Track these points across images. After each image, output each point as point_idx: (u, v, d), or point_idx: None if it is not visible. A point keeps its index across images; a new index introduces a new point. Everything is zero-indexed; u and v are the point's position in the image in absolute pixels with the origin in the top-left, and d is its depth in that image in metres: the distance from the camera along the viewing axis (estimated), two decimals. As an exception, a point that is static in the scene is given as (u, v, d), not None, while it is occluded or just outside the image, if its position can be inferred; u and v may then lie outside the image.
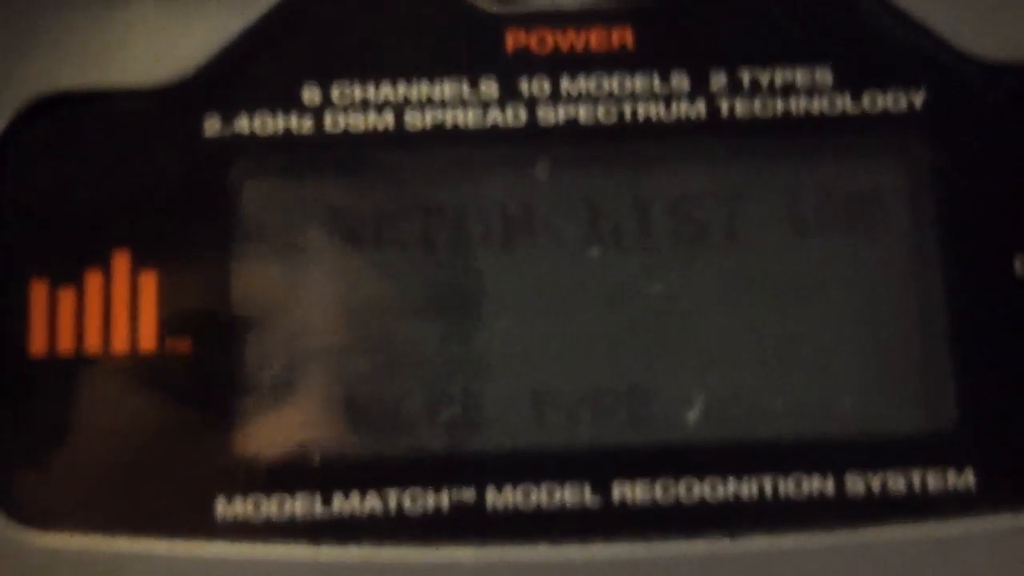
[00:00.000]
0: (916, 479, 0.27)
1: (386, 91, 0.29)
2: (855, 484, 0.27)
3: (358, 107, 0.29)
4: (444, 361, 0.28)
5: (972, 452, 0.27)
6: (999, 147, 0.29)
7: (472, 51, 0.29)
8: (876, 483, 0.27)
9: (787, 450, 0.28)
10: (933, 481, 0.27)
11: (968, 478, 0.27)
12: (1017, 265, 0.28)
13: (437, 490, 0.27)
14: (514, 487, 0.27)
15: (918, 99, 0.29)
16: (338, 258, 0.29)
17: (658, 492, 0.27)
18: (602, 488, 0.27)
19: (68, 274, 0.28)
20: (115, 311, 0.28)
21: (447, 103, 0.29)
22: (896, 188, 0.29)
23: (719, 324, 0.28)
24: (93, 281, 0.28)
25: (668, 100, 0.29)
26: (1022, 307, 0.28)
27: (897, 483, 0.27)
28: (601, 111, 0.29)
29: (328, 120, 0.29)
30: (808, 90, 0.29)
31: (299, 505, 0.27)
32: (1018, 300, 0.28)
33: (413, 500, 0.27)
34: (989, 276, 0.28)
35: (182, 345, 0.28)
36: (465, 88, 0.29)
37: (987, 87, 0.29)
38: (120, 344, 0.28)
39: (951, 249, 0.28)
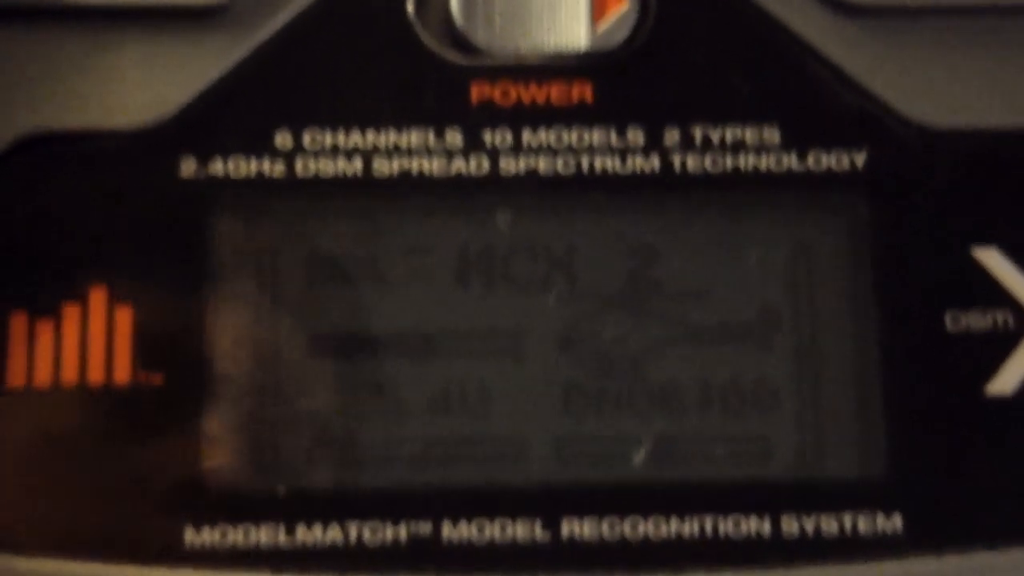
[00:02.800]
0: (848, 522, 0.29)
1: (355, 138, 0.30)
2: (790, 525, 0.29)
3: (328, 153, 0.30)
4: (405, 398, 0.30)
5: (901, 498, 0.29)
6: (934, 209, 0.30)
7: (438, 102, 0.31)
8: (810, 525, 0.29)
9: (727, 491, 0.29)
10: (864, 524, 0.29)
11: (896, 522, 0.29)
12: (947, 320, 0.30)
13: (396, 523, 0.29)
14: (468, 522, 0.29)
15: (860, 160, 0.30)
16: (307, 296, 0.30)
17: (605, 529, 0.29)
18: (552, 524, 0.29)
19: (46, 308, 0.29)
20: (91, 344, 0.29)
21: (413, 151, 0.30)
22: (836, 243, 0.30)
23: (667, 369, 0.30)
24: (70, 315, 0.29)
25: (624, 154, 0.30)
26: (951, 361, 0.30)
27: (830, 525, 0.29)
28: (560, 163, 0.30)
29: (299, 165, 0.30)
30: (757, 148, 0.30)
31: (264, 535, 0.29)
32: (947, 354, 0.30)
33: (373, 532, 0.29)
34: (921, 330, 0.30)
35: (155, 378, 0.29)
36: (431, 137, 0.30)
37: (926, 152, 0.30)
38: (95, 376, 0.29)
39: (886, 303, 0.30)
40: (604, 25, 0.31)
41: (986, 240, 0.30)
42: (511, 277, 0.30)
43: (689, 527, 0.29)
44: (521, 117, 0.30)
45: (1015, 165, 0.30)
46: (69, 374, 0.29)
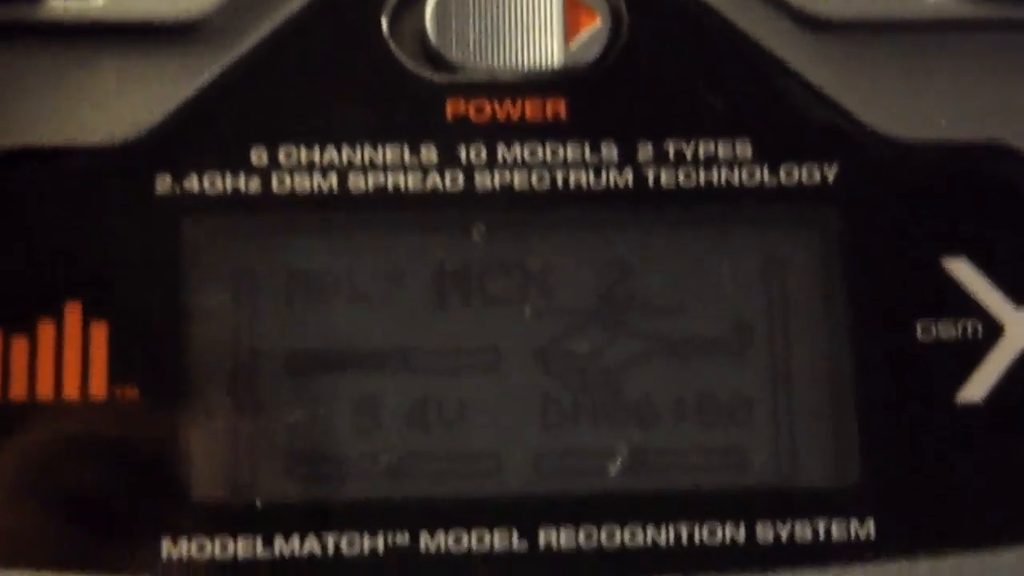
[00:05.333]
0: (821, 528, 0.29)
1: (331, 154, 0.31)
2: (765, 532, 0.29)
3: (304, 169, 0.30)
4: (382, 412, 0.30)
5: (873, 504, 0.29)
6: (904, 221, 0.31)
7: (413, 118, 0.31)
8: (784, 531, 0.29)
9: (702, 500, 0.29)
10: (837, 530, 0.29)
11: (869, 528, 0.29)
12: (918, 330, 0.30)
13: (373, 534, 0.29)
14: (446, 532, 0.29)
15: (831, 173, 0.31)
16: (283, 312, 0.30)
17: (582, 538, 0.29)
18: (530, 534, 0.29)
19: (21, 324, 0.29)
20: (67, 360, 0.29)
21: (389, 167, 0.31)
22: (808, 255, 0.31)
23: (642, 382, 0.30)
24: (45, 331, 0.29)
25: (598, 169, 0.31)
26: (922, 370, 0.30)
27: (804, 531, 0.29)
28: (535, 178, 0.31)
29: (275, 181, 0.30)
30: (729, 162, 0.31)
31: (241, 547, 0.29)
32: (918, 363, 0.30)
33: (350, 543, 0.29)
34: (892, 340, 0.30)
35: (131, 393, 0.29)
36: (406, 153, 0.31)
37: (895, 164, 0.31)
38: (71, 391, 0.29)
39: (858, 314, 0.30)
40: (577, 42, 0.31)
41: (956, 251, 0.30)
42: (487, 292, 0.31)
43: (665, 535, 0.29)
44: (496, 133, 0.31)
45: (983, 176, 0.31)
46: (44, 389, 0.29)
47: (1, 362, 0.29)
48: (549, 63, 0.31)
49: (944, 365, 0.30)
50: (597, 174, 0.31)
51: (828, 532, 0.29)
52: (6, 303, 0.29)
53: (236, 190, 0.30)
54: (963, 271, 0.30)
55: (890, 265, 0.30)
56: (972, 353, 0.30)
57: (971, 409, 0.30)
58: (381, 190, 0.30)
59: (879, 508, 0.29)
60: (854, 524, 0.29)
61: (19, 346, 0.29)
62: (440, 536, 0.29)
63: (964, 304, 0.30)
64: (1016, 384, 0.30)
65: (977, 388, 0.30)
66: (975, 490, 0.29)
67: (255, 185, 0.30)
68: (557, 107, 0.31)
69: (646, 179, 0.31)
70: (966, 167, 0.31)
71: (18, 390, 0.29)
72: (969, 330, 0.30)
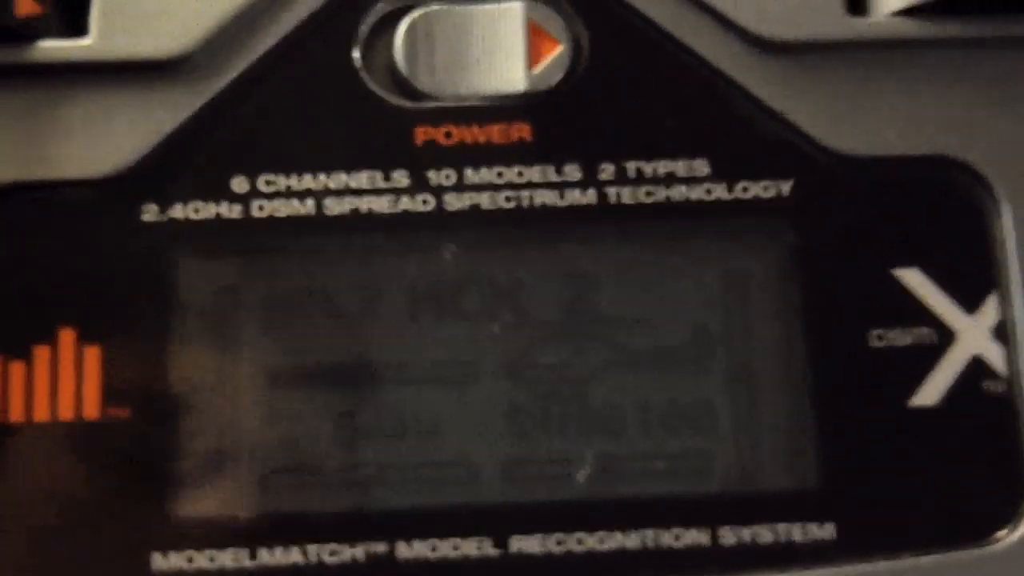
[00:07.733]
0: (783, 532, 0.30)
1: (307, 181, 0.32)
2: (728, 536, 0.30)
3: (282, 195, 0.32)
4: (360, 427, 0.31)
5: (833, 508, 0.31)
6: (856, 232, 0.32)
7: (385, 144, 0.32)
8: (747, 535, 0.30)
9: (667, 506, 0.31)
10: (798, 533, 0.30)
11: (829, 531, 0.30)
12: (872, 338, 0.31)
13: (353, 545, 0.30)
14: (422, 541, 0.30)
15: (785, 188, 0.32)
16: (263, 332, 0.32)
17: (552, 545, 0.30)
18: (501, 542, 0.30)
19: (18, 350, 0.31)
20: (61, 383, 0.31)
21: (362, 191, 0.32)
22: (765, 267, 0.32)
23: (608, 392, 0.32)
24: (41, 356, 0.31)
25: (562, 189, 0.32)
26: (875, 377, 0.31)
27: (766, 536, 0.30)
28: (502, 198, 0.32)
29: (255, 207, 0.32)
30: (687, 180, 0.32)
31: (228, 559, 0.30)
32: (872, 371, 0.31)
33: (332, 554, 0.30)
34: (847, 348, 0.31)
35: (122, 413, 0.31)
36: (379, 178, 0.32)
37: (846, 178, 0.32)
38: (66, 413, 0.31)
39: (813, 324, 0.31)
40: (540, 68, 0.33)
41: (907, 261, 0.32)
42: (459, 309, 0.32)
43: (632, 541, 0.30)
44: (463, 157, 0.32)
45: (931, 189, 0.32)
46: (40, 412, 0.31)
47: (0, 387, 0.31)
48: (514, 88, 0.33)
49: (899, 371, 0.31)
50: (561, 194, 0.32)
51: (789, 536, 0.30)
52: (3, 330, 0.31)
53: (219, 216, 0.32)
54: (915, 280, 0.32)
55: (844, 275, 0.32)
56: (926, 359, 0.31)
57: (926, 413, 0.31)
58: (355, 212, 0.32)
59: (839, 511, 0.31)
60: (814, 527, 0.30)
61: (16, 371, 0.31)
62: (416, 545, 0.30)
63: (917, 312, 0.32)
64: (969, 389, 0.31)
65: (931, 393, 0.31)
66: (931, 493, 0.31)
67: (236, 211, 0.32)
68: (522, 131, 0.32)
69: (608, 197, 0.32)
70: (915, 180, 0.32)
71: (16, 413, 0.31)
72: (921, 337, 0.31)
